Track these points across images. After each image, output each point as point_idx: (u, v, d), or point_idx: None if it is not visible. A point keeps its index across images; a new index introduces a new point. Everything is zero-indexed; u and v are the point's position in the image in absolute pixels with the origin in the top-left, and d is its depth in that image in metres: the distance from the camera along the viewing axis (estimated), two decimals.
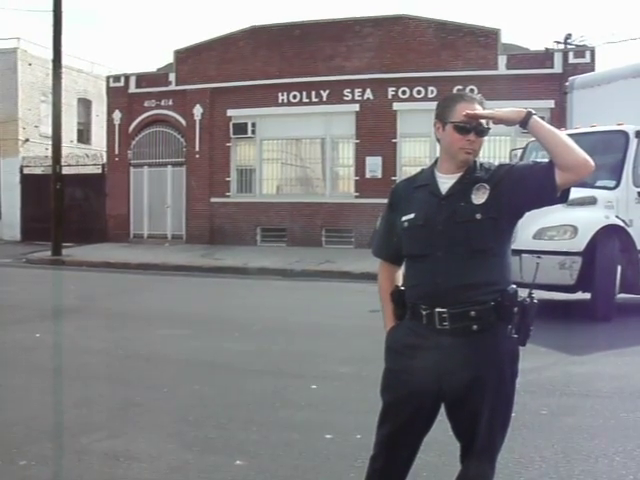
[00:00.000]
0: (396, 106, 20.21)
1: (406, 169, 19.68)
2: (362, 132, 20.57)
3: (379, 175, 20.20)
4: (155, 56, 69.37)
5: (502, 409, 2.81)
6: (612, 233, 9.17)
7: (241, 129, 21.54)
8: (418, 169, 3.07)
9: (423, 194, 2.88)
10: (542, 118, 2.84)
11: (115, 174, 23.35)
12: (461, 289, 2.73)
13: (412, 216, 2.86)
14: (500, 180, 2.77)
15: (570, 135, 2.79)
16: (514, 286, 2.77)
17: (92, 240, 22.07)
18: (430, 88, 19.38)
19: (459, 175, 2.82)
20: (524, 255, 8.49)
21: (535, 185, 2.71)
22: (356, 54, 20.49)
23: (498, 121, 2.78)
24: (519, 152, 11.73)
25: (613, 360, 7.15)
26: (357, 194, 20.60)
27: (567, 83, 12.91)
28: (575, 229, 9.13)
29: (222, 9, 76.60)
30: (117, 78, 23.99)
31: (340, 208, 20.70)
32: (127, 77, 23.66)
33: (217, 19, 74.80)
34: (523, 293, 2.78)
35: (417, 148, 20.25)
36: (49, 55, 21.07)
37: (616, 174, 9.73)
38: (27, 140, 27.72)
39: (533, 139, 9.93)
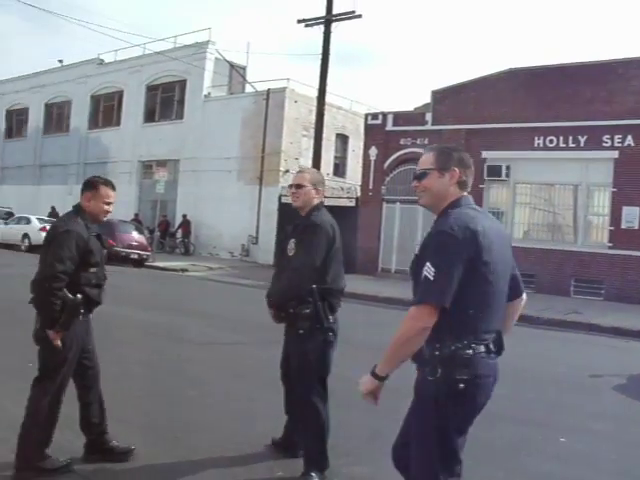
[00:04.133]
0: None
1: None
2: (620, 180, 19.79)
3: (636, 226, 19.32)
4: (411, 96, 71.23)
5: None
6: None
7: (495, 171, 21.52)
8: None
9: None
10: None
11: (368, 208, 24.27)
12: None
13: None
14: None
15: None
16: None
17: None
18: None
19: None
20: None
21: None
22: (618, 98, 19.83)
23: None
24: None
25: None
26: (610, 244, 19.80)
27: None
28: None
29: (479, 51, 76.98)
30: (375, 116, 25.00)
31: (592, 258, 20.01)
32: (385, 115, 24.58)
33: (474, 61, 75.32)
34: None
35: None
36: (312, 93, 22.57)
37: None
38: (287, 171, 29.58)
39: None
